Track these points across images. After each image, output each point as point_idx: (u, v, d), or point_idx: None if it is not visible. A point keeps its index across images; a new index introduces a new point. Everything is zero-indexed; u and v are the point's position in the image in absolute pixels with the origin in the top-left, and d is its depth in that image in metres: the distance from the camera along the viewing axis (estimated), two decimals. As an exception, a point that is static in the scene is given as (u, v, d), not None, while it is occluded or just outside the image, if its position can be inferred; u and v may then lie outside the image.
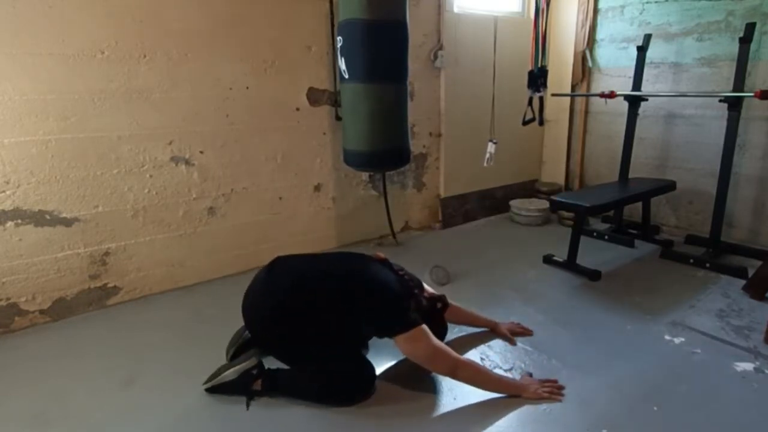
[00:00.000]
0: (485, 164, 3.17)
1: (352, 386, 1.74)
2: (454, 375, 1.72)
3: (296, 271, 1.84)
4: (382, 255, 1.94)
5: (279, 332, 1.77)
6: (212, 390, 1.77)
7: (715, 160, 2.96)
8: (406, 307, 1.70)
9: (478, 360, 2.00)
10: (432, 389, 1.82)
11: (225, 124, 2.70)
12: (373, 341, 2.07)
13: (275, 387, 1.76)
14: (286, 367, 1.83)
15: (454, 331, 2.19)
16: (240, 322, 1.99)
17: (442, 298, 1.93)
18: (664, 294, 2.56)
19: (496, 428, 1.62)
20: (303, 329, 1.74)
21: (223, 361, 1.88)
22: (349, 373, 1.74)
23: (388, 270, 1.84)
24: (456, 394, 1.79)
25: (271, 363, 1.84)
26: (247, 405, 1.73)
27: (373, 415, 1.69)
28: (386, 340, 1.75)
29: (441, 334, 1.92)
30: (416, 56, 3.27)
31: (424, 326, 1.68)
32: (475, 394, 1.78)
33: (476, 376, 1.75)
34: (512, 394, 1.75)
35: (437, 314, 1.90)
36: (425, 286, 1.95)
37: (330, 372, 1.73)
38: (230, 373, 1.75)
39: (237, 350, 1.96)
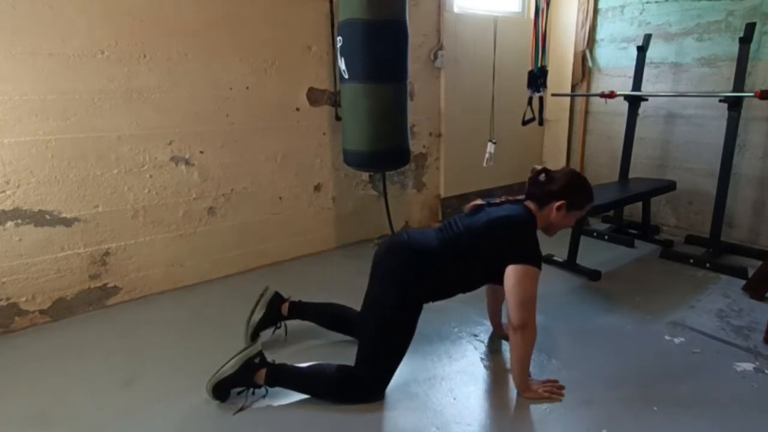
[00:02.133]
0: (485, 164, 3.18)
1: (360, 394, 1.75)
2: (520, 330, 1.69)
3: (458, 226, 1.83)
4: (478, 201, 1.90)
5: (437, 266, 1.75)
6: (216, 392, 1.73)
7: (715, 160, 2.97)
8: (536, 240, 1.73)
9: (477, 359, 2.00)
10: (432, 389, 1.82)
11: (225, 124, 2.70)
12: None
13: (278, 379, 1.76)
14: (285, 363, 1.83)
15: (454, 330, 2.19)
16: (241, 320, 2.00)
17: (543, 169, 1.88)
18: (664, 294, 2.57)
19: (497, 428, 1.62)
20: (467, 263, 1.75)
21: (223, 361, 1.87)
22: (363, 382, 1.74)
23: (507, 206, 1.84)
24: (456, 395, 1.79)
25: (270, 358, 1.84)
26: (246, 396, 1.73)
27: (372, 415, 1.69)
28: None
29: None
30: (416, 56, 3.27)
31: (539, 274, 1.69)
32: (475, 395, 1.78)
33: (527, 348, 1.74)
34: (519, 386, 1.76)
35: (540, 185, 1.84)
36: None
37: (342, 377, 1.74)
38: (231, 365, 1.73)
39: (254, 331, 2.05)
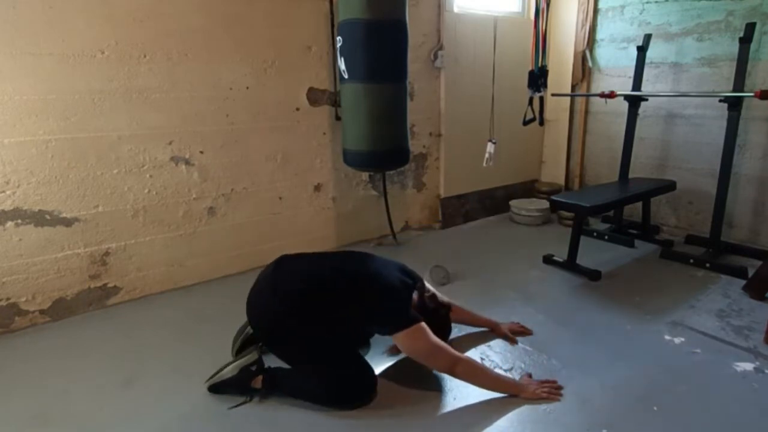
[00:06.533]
0: (485, 164, 3.17)
1: (353, 390, 1.74)
2: (454, 372, 1.72)
3: (302, 271, 1.84)
4: None
5: (283, 330, 1.76)
6: (214, 389, 1.77)
7: (715, 160, 2.97)
8: (405, 305, 1.72)
9: (478, 360, 2.00)
10: (432, 390, 1.82)
11: (225, 124, 2.70)
12: (375, 340, 2.07)
13: (274, 385, 1.76)
14: (286, 366, 1.83)
15: (454, 331, 2.19)
16: (241, 319, 2.00)
17: (447, 305, 1.95)
18: (664, 294, 2.56)
19: (497, 428, 1.62)
20: (307, 328, 1.73)
21: (223, 361, 1.87)
22: (351, 377, 1.74)
23: (391, 268, 1.85)
24: (456, 395, 1.79)
25: (273, 362, 1.84)
26: (239, 404, 1.73)
27: (372, 417, 1.69)
28: (387, 341, 1.76)
29: (444, 335, 1.92)
30: (416, 56, 3.27)
31: (423, 324, 1.69)
32: (475, 395, 1.78)
33: (475, 374, 1.76)
34: (510, 393, 1.75)
35: (442, 317, 1.91)
36: (436, 293, 1.96)
37: (331, 375, 1.73)
38: (230, 370, 1.75)
39: (242, 344, 1.97)
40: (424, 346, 1.68)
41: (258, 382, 1.75)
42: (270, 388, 1.76)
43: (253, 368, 1.76)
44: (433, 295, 1.92)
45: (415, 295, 1.81)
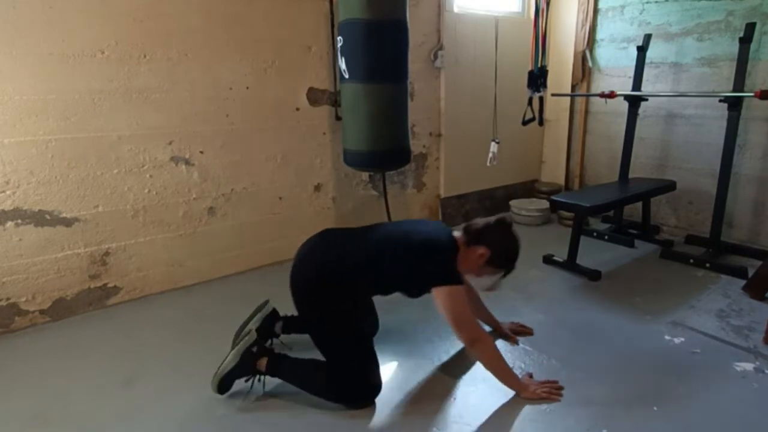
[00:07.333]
0: (488, 164, 3.16)
1: (354, 391, 1.73)
2: (473, 346, 1.73)
3: (352, 237, 1.87)
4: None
5: (306, 308, 1.77)
6: (222, 387, 1.75)
7: (715, 160, 2.97)
8: (450, 261, 1.74)
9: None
10: (432, 390, 1.82)
11: (225, 124, 2.70)
12: (380, 336, 2.07)
13: (278, 371, 1.76)
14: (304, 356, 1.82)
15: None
16: (241, 319, 2.00)
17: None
18: (664, 294, 2.57)
19: (497, 428, 1.62)
20: (320, 312, 1.75)
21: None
22: (353, 378, 1.73)
23: (432, 226, 1.87)
24: (456, 395, 1.79)
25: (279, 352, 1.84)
26: (252, 384, 1.75)
27: (372, 417, 1.69)
28: (388, 341, 1.75)
29: (511, 244, 1.90)
30: (416, 56, 3.27)
31: (463, 288, 1.71)
32: (475, 395, 1.78)
33: (491, 357, 1.77)
34: (513, 389, 1.76)
35: (503, 228, 1.87)
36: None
37: (333, 374, 1.73)
38: (230, 359, 1.74)
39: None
40: (459, 308, 1.70)
41: (262, 365, 1.75)
42: (273, 371, 1.76)
43: (254, 349, 1.75)
44: (478, 220, 1.88)
45: (458, 234, 1.81)
